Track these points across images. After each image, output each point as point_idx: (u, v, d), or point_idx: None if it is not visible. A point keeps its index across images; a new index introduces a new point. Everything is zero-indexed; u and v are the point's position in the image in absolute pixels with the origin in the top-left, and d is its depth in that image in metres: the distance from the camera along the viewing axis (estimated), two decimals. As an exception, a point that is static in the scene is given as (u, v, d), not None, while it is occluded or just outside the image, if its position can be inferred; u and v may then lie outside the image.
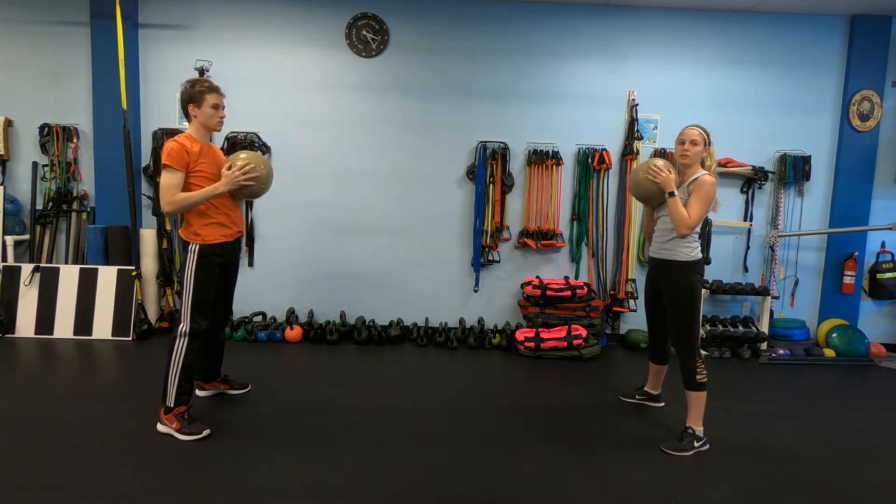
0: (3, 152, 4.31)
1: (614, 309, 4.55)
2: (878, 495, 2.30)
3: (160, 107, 4.41)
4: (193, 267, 2.62)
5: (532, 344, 4.10)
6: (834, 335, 4.37)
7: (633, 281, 4.55)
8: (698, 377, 2.63)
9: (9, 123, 4.35)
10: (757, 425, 2.98)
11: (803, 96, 4.49)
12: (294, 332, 4.28)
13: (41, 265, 4.24)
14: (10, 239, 4.26)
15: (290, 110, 4.42)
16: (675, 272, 2.70)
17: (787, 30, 4.42)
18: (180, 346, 2.60)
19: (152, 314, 4.37)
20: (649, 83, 4.45)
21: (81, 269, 4.26)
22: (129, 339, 4.18)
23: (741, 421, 3.03)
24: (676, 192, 2.64)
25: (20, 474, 2.22)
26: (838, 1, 4.17)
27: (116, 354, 3.87)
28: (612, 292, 4.57)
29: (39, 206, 4.42)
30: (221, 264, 2.73)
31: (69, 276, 4.23)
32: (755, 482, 2.36)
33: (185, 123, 2.76)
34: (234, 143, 4.34)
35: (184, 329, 2.62)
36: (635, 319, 4.56)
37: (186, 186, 2.58)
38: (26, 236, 4.41)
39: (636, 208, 4.48)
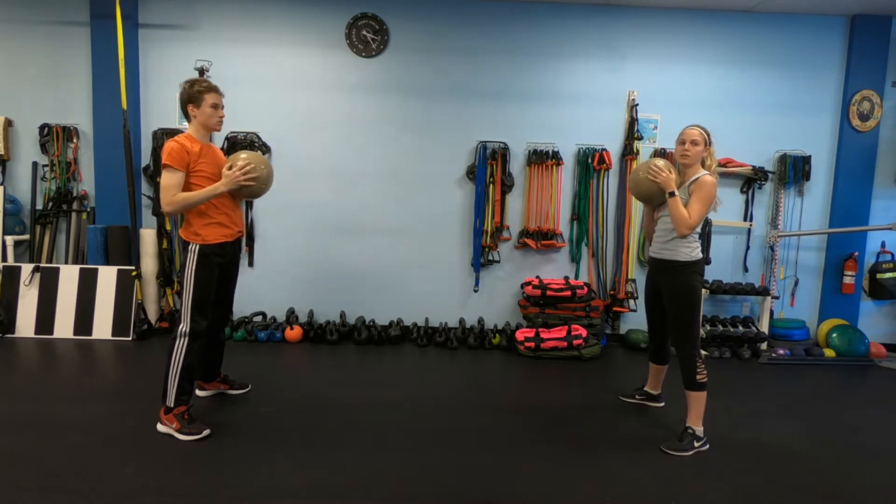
0: (3, 152, 4.31)
1: (614, 309, 4.55)
2: (878, 495, 2.30)
3: (160, 107, 4.41)
4: (193, 267, 2.62)
5: (532, 344, 4.10)
6: (834, 335, 4.37)
7: (633, 281, 4.55)
8: (698, 377, 2.63)
9: (9, 123, 4.35)
10: (757, 425, 2.98)
11: (803, 96, 4.49)
12: (294, 332, 4.28)
13: (41, 265, 4.24)
14: (10, 239, 4.26)
15: (290, 110, 4.42)
16: (675, 272, 2.70)
17: (787, 30, 4.42)
18: (180, 346, 2.60)
19: (152, 314, 4.37)
20: (649, 83, 4.45)
21: (81, 269, 4.26)
22: (129, 339, 4.18)
23: (741, 421, 3.03)
24: (677, 193, 2.64)
25: (20, 474, 2.22)
26: (838, 1, 4.17)
27: (116, 354, 3.87)
28: (612, 292, 4.57)
29: (39, 206, 4.42)
30: (221, 264, 2.73)
31: (69, 276, 4.23)
32: (755, 482, 2.36)
33: (185, 123, 2.76)
34: (234, 143, 4.34)
35: (184, 329, 2.62)
36: (635, 319, 4.56)
37: (187, 186, 2.58)
38: (26, 236, 4.41)
39: (636, 208, 4.48)
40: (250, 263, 4.51)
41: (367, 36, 4.37)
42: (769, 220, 4.61)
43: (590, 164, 4.45)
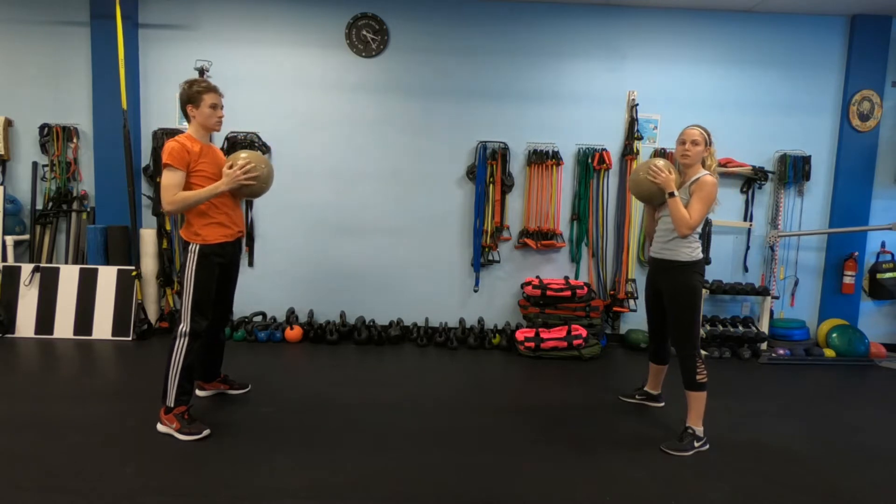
0: (3, 152, 4.31)
1: (614, 309, 4.55)
2: (878, 495, 2.30)
3: (160, 107, 4.41)
4: (194, 267, 2.63)
5: (532, 344, 4.10)
6: (834, 335, 4.37)
7: (633, 281, 4.55)
8: (698, 377, 2.63)
9: (9, 123, 4.35)
10: (757, 425, 2.98)
11: (803, 96, 4.49)
12: (294, 332, 4.28)
13: (41, 265, 4.24)
14: (10, 239, 4.26)
15: (290, 110, 4.42)
16: (675, 272, 2.70)
17: (787, 30, 4.42)
18: (180, 346, 2.61)
19: (152, 314, 4.37)
20: (649, 83, 4.45)
21: (81, 269, 4.26)
22: (129, 339, 4.18)
23: (741, 421, 3.03)
24: (677, 193, 2.64)
25: (20, 474, 2.22)
26: (838, 1, 4.17)
27: (116, 354, 3.87)
28: (612, 292, 4.57)
29: (39, 206, 4.42)
30: (222, 264, 2.73)
31: (69, 276, 4.23)
32: (755, 482, 2.36)
33: (185, 123, 2.76)
34: (234, 143, 4.34)
35: (184, 329, 2.62)
36: (635, 319, 4.56)
37: (187, 186, 2.59)
38: (26, 236, 4.41)
39: (636, 208, 4.48)
40: (250, 263, 4.51)
41: (367, 36, 4.37)
42: (769, 220, 4.61)
43: (590, 164, 4.45)
